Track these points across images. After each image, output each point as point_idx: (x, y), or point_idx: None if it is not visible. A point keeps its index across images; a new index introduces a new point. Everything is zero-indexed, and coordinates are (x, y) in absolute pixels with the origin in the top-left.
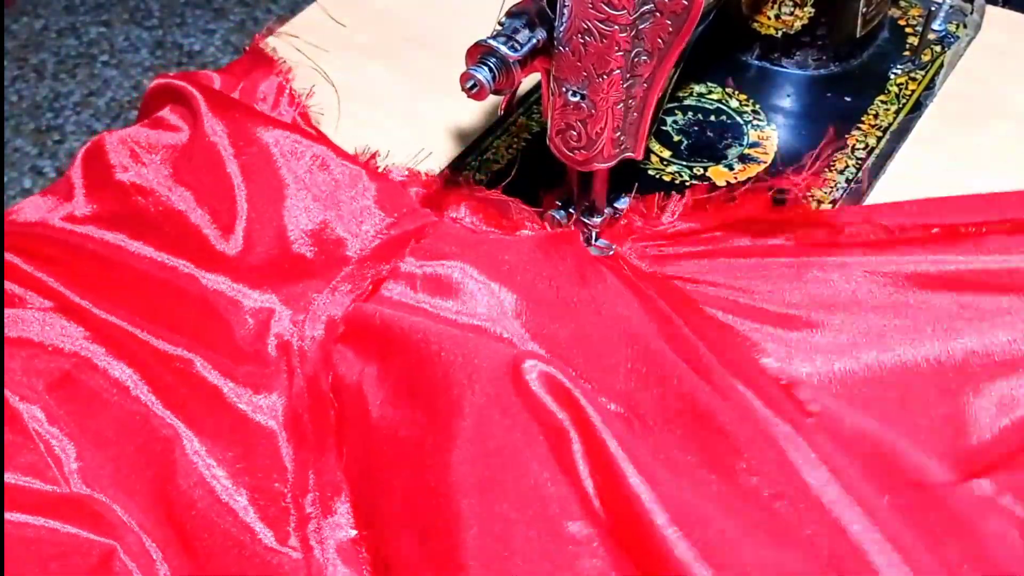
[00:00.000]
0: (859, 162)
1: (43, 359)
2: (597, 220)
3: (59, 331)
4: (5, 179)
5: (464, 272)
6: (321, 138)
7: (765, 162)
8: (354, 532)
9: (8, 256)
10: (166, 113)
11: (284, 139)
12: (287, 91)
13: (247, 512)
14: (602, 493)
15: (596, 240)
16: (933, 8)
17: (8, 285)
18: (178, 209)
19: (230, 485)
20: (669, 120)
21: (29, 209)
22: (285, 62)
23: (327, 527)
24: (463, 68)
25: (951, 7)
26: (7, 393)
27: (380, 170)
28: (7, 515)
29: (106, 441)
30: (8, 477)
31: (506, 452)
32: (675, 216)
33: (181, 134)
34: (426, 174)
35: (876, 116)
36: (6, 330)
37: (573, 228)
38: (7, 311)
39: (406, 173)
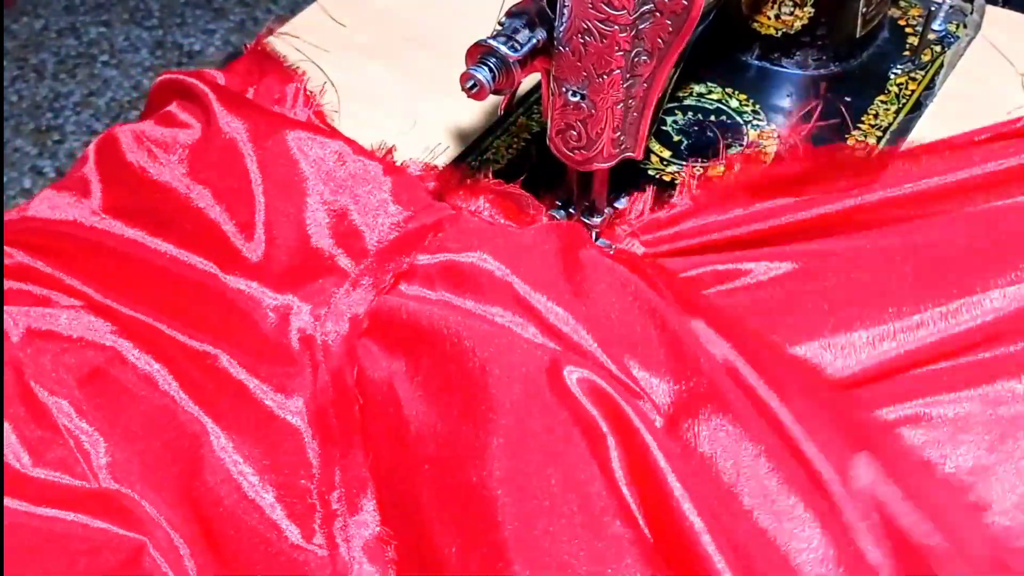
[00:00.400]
0: None
1: (73, 353)
2: (597, 220)
3: (88, 325)
4: (5, 179)
5: (483, 261)
6: (337, 134)
7: (765, 162)
8: (379, 529)
9: (28, 258)
10: (175, 109)
11: (300, 135)
12: (301, 92)
13: (274, 509)
14: (641, 495)
15: (596, 240)
16: (933, 8)
17: (31, 287)
18: (197, 206)
19: (256, 482)
20: (669, 120)
21: (44, 205)
22: (297, 66)
23: (353, 525)
24: (463, 68)
25: (951, 7)
26: (36, 387)
27: (397, 164)
28: (37, 509)
29: (134, 436)
30: (38, 472)
31: (545, 449)
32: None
33: (193, 131)
34: (443, 168)
35: (876, 116)
36: (36, 325)
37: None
38: (34, 310)
39: (422, 167)
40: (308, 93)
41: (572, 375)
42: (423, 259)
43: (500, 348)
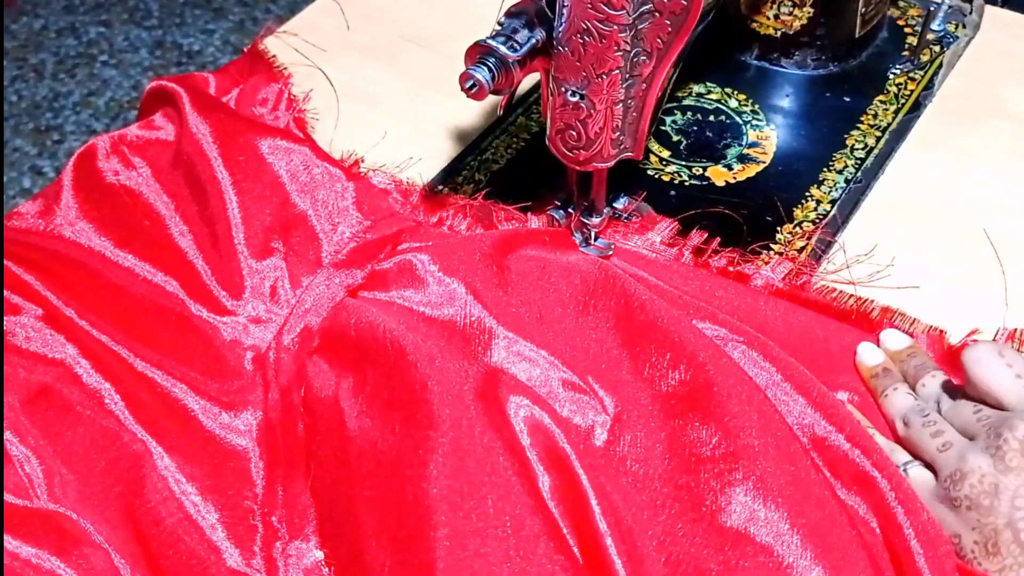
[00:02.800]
0: (858, 162)
1: (24, 368)
2: (596, 220)
3: (44, 339)
4: (5, 179)
5: (420, 261)
6: (307, 141)
7: (764, 162)
8: (320, 554)
9: (6, 262)
10: (157, 116)
11: (267, 140)
12: (286, 95)
13: (215, 530)
14: (573, 523)
15: (595, 240)
16: (932, 8)
17: (6, 292)
18: (162, 213)
19: (199, 502)
20: (668, 120)
21: (21, 212)
22: (284, 67)
23: (293, 547)
24: (462, 68)
25: (950, 7)
26: None
27: (363, 174)
28: None
29: (77, 456)
30: None
31: (482, 470)
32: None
33: (167, 135)
34: (408, 182)
35: (875, 116)
36: None
37: (572, 228)
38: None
39: (388, 180)
40: (291, 96)
41: (519, 411)
42: (381, 266)
43: (442, 364)
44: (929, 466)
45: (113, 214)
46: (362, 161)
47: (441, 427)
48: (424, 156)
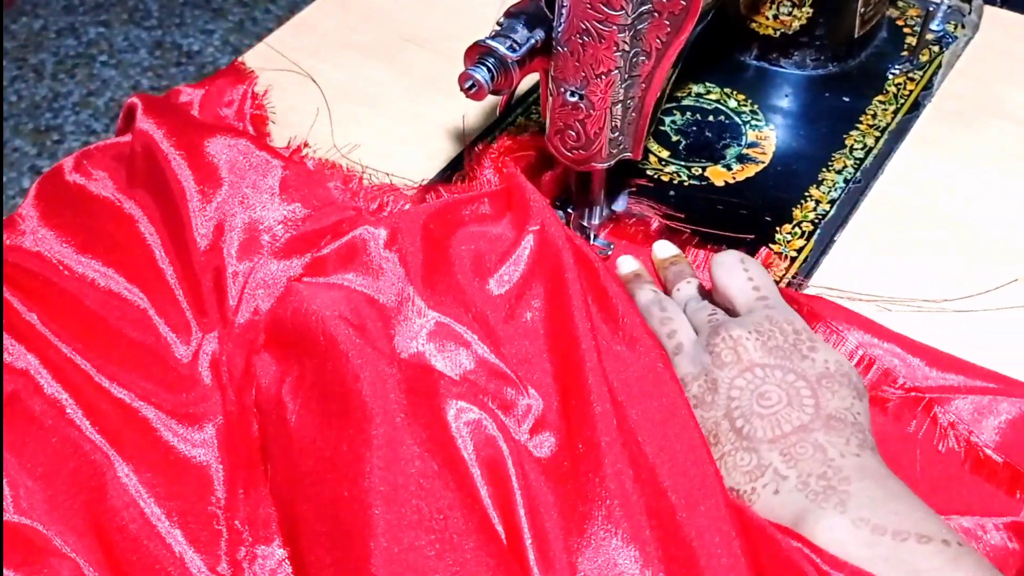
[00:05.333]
0: (857, 162)
1: None
2: (595, 221)
3: (8, 348)
4: (4, 179)
5: (362, 240)
6: (245, 134)
7: (763, 162)
8: (283, 552)
9: None
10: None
11: (211, 135)
12: (250, 94)
13: (175, 538)
14: (505, 522)
15: (594, 240)
16: (931, 8)
17: None
18: (125, 215)
19: (159, 511)
20: (667, 120)
21: None
22: (250, 69)
23: (259, 550)
24: (462, 68)
25: (949, 7)
26: None
27: (301, 161)
28: None
29: (41, 466)
30: None
31: (417, 463)
32: None
33: (124, 141)
34: (348, 169)
35: (874, 116)
36: None
37: (571, 228)
38: None
39: (327, 166)
40: (255, 94)
41: (460, 418)
42: (321, 253)
43: (374, 357)
44: None
45: (74, 220)
46: (305, 146)
47: (374, 420)
48: (424, 156)
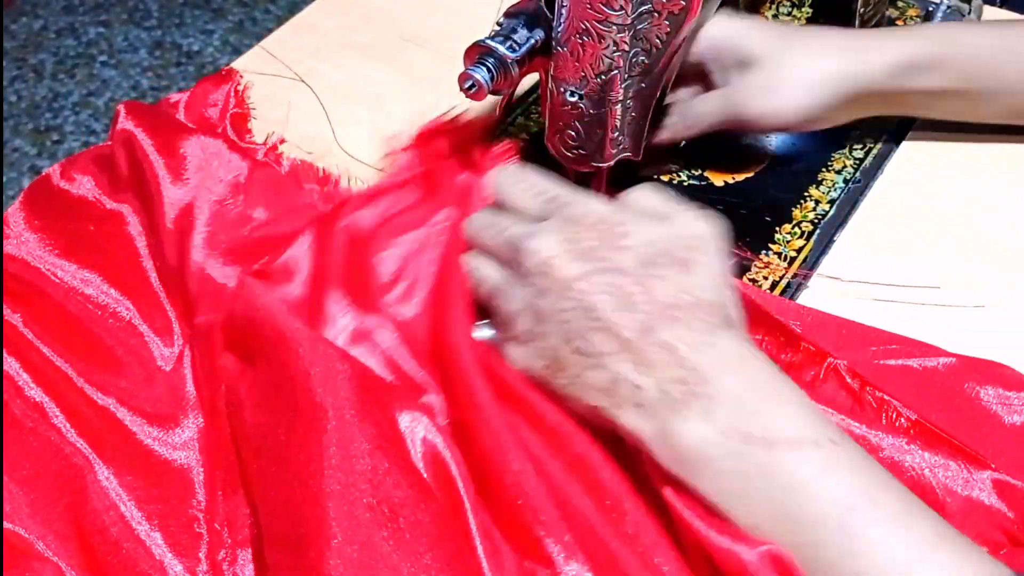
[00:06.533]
0: (857, 162)
1: None
2: None
3: None
4: (4, 179)
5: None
6: (223, 136)
7: (763, 162)
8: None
9: None
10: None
11: (187, 136)
12: (232, 93)
13: (155, 541)
14: (453, 512)
15: None
16: (931, 8)
17: None
18: (107, 216)
19: (139, 515)
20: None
21: None
22: (233, 70)
23: (239, 553)
24: (462, 68)
25: (949, 7)
26: None
27: (286, 166)
28: None
29: (24, 469)
30: None
31: (368, 460)
32: None
33: (106, 144)
34: (323, 170)
35: (874, 116)
36: None
37: None
38: None
39: (303, 168)
40: (238, 93)
41: (405, 414)
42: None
43: (325, 350)
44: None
45: (58, 224)
46: (282, 142)
47: (327, 416)
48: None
